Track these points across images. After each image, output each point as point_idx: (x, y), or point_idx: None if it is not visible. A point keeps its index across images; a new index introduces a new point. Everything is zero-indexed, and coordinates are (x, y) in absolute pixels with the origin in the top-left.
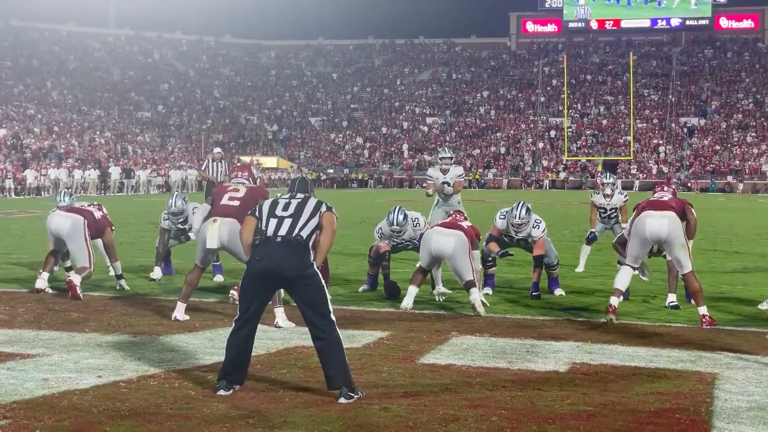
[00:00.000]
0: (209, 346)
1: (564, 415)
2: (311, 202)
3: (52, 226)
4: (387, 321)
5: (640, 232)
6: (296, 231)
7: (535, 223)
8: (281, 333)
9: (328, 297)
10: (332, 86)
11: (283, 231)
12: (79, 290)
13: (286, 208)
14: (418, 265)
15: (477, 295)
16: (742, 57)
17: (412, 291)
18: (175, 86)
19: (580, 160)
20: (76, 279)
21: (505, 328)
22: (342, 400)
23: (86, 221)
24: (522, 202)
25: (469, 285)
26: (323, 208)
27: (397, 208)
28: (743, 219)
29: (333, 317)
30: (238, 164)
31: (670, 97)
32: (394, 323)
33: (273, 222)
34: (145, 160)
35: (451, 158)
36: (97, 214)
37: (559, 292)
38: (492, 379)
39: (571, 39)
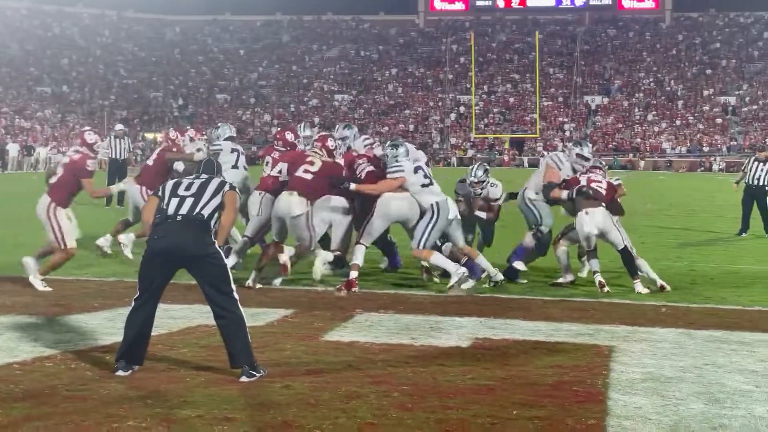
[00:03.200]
0: (108, 326)
1: (465, 389)
2: (214, 182)
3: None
4: (291, 299)
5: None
6: (197, 210)
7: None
8: (183, 312)
9: (230, 275)
10: (239, 63)
11: (184, 210)
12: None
13: (188, 187)
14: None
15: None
16: (644, 37)
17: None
18: (77, 61)
19: (487, 138)
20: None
21: (410, 304)
22: (244, 379)
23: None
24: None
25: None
26: (226, 188)
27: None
28: (643, 195)
29: (236, 295)
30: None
31: (575, 76)
32: (298, 301)
33: (174, 201)
34: (45, 137)
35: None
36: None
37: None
38: (395, 355)
39: (478, 17)
